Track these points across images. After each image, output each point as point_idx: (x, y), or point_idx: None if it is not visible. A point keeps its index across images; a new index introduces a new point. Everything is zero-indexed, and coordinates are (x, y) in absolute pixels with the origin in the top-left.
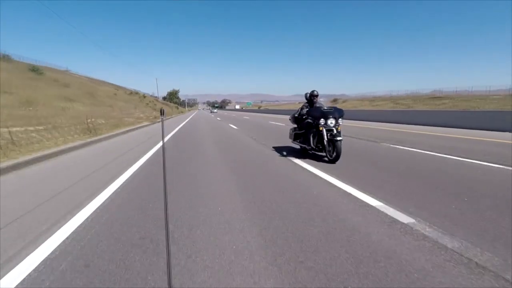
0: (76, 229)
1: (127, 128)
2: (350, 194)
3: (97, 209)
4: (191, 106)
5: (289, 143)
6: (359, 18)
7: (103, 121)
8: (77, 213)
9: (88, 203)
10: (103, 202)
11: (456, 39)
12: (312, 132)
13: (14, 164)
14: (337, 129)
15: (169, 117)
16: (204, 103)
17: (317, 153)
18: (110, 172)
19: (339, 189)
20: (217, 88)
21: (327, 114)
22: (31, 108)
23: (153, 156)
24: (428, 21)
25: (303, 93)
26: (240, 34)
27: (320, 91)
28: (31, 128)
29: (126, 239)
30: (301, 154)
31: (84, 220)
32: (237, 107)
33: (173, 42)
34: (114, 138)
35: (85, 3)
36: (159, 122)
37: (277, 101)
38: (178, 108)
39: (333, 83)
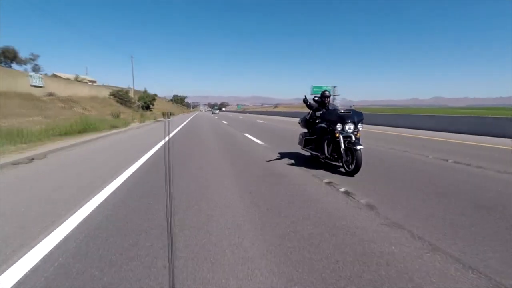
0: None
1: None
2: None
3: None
4: (193, 108)
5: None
6: (360, 23)
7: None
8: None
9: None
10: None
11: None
12: (326, 138)
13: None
14: (356, 136)
15: (187, 113)
16: (205, 105)
17: (331, 162)
18: (177, 122)
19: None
20: (218, 91)
21: (345, 118)
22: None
23: (188, 122)
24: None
25: (302, 97)
26: (241, 38)
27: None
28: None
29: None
30: (312, 162)
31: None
32: (223, 109)
33: (174, 47)
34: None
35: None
36: (188, 112)
37: (277, 103)
38: (188, 109)
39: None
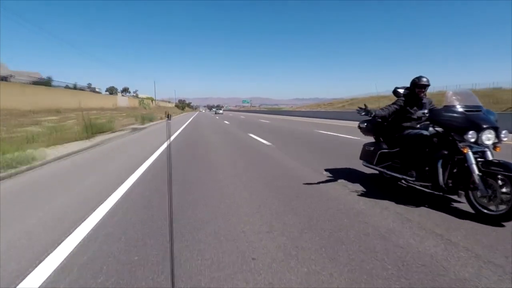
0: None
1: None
2: None
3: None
4: (194, 109)
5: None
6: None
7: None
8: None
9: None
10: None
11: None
12: (441, 155)
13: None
14: (492, 151)
15: (192, 112)
16: (204, 106)
17: (427, 189)
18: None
19: None
20: (218, 92)
21: (480, 121)
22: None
23: (193, 119)
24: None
25: (302, 97)
26: (239, 39)
27: (323, 94)
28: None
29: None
30: (383, 187)
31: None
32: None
33: (173, 50)
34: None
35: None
36: (193, 111)
37: (276, 104)
38: (193, 109)
39: (332, 87)
